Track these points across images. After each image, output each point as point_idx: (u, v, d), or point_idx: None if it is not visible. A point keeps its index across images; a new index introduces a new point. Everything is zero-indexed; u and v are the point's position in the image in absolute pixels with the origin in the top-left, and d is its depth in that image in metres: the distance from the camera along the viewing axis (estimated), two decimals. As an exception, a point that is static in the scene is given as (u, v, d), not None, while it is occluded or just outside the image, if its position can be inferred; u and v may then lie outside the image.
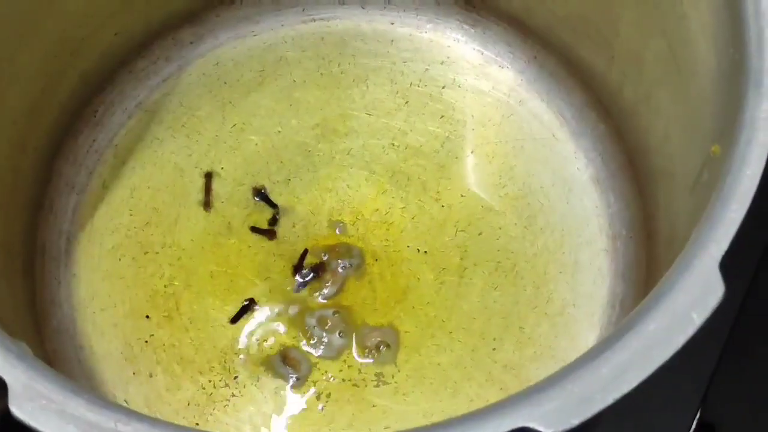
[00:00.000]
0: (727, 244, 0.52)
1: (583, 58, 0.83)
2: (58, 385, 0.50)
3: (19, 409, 0.49)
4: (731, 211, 0.53)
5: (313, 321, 0.78)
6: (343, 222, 0.83)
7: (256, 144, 0.85)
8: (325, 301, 0.79)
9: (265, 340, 0.79)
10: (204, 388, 0.78)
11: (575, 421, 0.49)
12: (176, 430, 0.50)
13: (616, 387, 0.50)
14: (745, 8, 0.58)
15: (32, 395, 0.50)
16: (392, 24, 0.89)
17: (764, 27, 0.57)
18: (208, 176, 0.83)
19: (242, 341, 0.79)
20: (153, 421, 0.49)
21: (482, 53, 0.88)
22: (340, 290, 0.79)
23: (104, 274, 0.81)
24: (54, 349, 0.79)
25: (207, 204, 0.82)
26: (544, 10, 0.83)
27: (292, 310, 0.79)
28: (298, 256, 0.81)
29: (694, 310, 0.51)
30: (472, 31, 0.88)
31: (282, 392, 0.78)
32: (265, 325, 0.80)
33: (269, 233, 0.82)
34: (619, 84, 0.80)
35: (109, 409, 0.50)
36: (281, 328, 0.79)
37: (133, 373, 0.79)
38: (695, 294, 0.51)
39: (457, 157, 0.84)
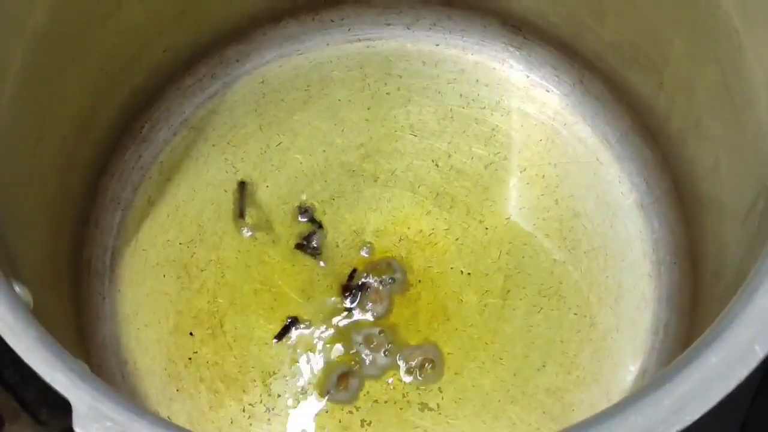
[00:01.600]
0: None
1: (631, 84, 0.83)
2: (122, 407, 0.50)
3: (83, 430, 0.49)
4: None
5: (359, 338, 0.78)
6: (386, 242, 0.82)
7: (301, 162, 0.85)
8: (371, 319, 0.79)
9: (308, 360, 0.79)
10: (247, 407, 0.78)
11: (637, 455, 0.49)
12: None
13: (678, 419, 0.50)
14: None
15: (96, 416, 0.50)
16: (437, 45, 0.89)
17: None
18: (242, 185, 0.83)
19: (286, 360, 0.79)
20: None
21: (528, 76, 0.88)
22: (387, 310, 0.79)
23: (149, 290, 0.82)
24: (99, 363, 0.79)
25: (241, 214, 0.82)
26: (592, 35, 0.83)
27: (339, 325, 0.79)
28: (341, 274, 0.81)
29: (756, 342, 0.51)
30: (518, 53, 0.88)
31: (324, 412, 0.77)
32: (307, 343, 0.79)
33: (313, 251, 0.82)
34: (666, 110, 0.80)
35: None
36: (323, 345, 0.79)
37: (177, 390, 0.79)
38: (757, 327, 0.51)
39: (501, 180, 0.84)
